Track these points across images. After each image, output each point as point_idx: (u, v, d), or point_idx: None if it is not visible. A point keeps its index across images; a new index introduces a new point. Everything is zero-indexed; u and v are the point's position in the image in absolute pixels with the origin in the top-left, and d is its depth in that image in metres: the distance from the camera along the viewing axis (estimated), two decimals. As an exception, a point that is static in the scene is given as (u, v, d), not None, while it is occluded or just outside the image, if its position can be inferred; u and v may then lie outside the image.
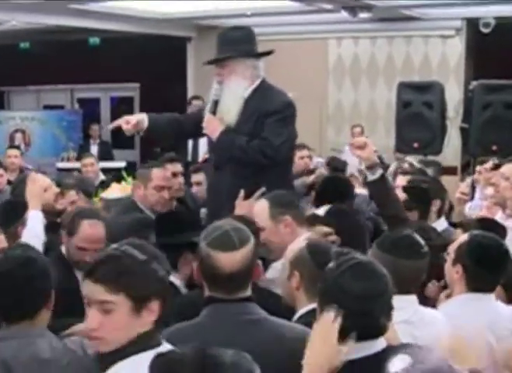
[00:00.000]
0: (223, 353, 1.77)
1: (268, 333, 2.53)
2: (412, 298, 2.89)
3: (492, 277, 3.18)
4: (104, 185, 6.47)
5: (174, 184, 4.98)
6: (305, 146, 6.55)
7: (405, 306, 2.42)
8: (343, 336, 2.27)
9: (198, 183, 5.76)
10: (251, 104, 4.35)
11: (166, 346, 2.20)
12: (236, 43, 4.40)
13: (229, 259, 2.50)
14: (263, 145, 4.25)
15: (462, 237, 3.25)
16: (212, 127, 4.35)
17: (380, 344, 2.28)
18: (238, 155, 4.26)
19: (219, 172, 4.42)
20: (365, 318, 2.25)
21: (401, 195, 4.28)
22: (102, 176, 7.74)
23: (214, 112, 4.37)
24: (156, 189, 4.75)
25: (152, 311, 2.18)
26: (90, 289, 2.17)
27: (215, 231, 2.60)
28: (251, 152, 4.25)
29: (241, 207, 4.09)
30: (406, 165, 6.05)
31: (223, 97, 4.38)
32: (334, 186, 4.53)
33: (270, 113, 4.29)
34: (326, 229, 3.39)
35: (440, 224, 4.42)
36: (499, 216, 4.45)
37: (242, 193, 4.15)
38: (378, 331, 2.28)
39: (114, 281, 2.14)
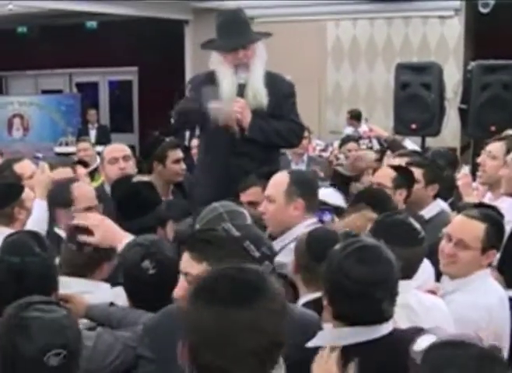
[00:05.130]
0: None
1: None
2: (409, 283, 2.80)
3: None
4: (101, 169, 6.45)
5: (177, 170, 4.92)
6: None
7: (402, 291, 2.38)
8: (346, 321, 2.26)
9: None
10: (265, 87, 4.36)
11: None
12: (249, 25, 4.37)
13: None
14: (294, 127, 4.39)
15: (473, 224, 3.04)
16: (246, 112, 4.26)
17: (385, 328, 2.26)
18: (272, 138, 4.30)
19: (235, 157, 4.31)
20: (366, 302, 2.23)
21: (389, 172, 4.11)
22: (98, 160, 7.71)
23: (242, 96, 4.28)
24: (110, 162, 4.67)
25: None
26: (183, 258, 2.20)
27: (208, 213, 2.59)
28: (286, 135, 4.34)
29: None
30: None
31: (252, 80, 4.29)
32: None
33: (287, 94, 4.40)
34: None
35: (435, 206, 4.26)
36: (488, 197, 4.32)
37: None
38: (380, 316, 2.26)
39: (199, 250, 2.16)
